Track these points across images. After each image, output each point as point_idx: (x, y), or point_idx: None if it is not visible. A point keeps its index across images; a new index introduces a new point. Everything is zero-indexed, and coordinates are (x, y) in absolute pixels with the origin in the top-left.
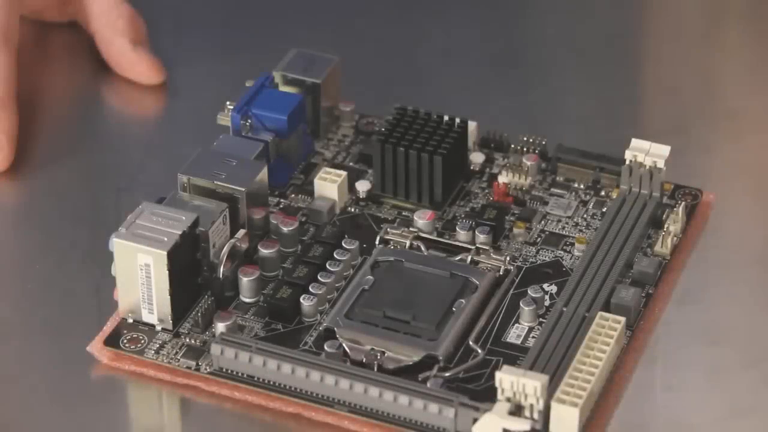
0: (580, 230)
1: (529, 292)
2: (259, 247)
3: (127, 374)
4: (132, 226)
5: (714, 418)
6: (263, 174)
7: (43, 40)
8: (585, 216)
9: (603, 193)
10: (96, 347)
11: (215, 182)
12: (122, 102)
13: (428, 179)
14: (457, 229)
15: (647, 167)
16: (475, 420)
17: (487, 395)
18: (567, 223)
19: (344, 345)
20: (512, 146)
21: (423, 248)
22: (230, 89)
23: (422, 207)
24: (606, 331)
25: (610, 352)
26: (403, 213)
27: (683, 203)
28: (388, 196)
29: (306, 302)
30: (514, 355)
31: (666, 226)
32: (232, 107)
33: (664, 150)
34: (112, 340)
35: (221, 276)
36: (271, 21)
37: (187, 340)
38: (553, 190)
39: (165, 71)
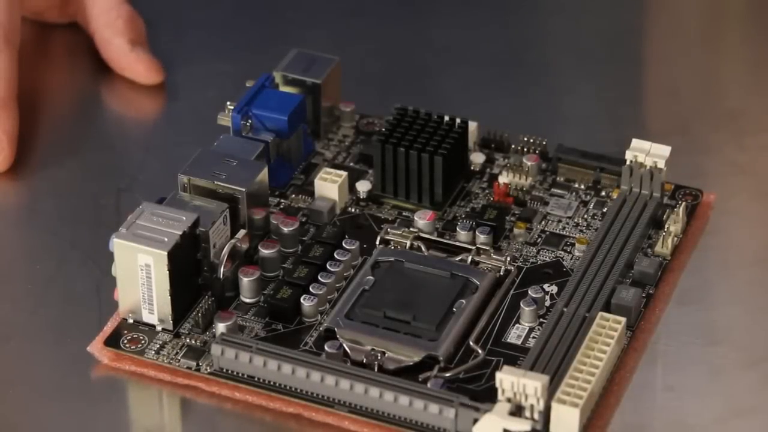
0: (581, 231)
1: (529, 292)
2: (259, 248)
3: (128, 374)
4: (132, 227)
5: (714, 418)
6: (264, 174)
7: (44, 41)
8: (585, 216)
9: (603, 193)
10: (96, 347)
11: (216, 182)
12: (122, 102)
13: (429, 179)
14: (458, 229)
15: (648, 167)
16: (475, 420)
17: (487, 396)
18: (567, 224)
19: (345, 345)
20: (513, 146)
21: (423, 248)
22: (230, 89)
23: (423, 207)
24: (606, 331)
25: (611, 352)
26: (404, 213)
27: (684, 203)
28: (388, 197)
29: (306, 302)
30: (514, 356)
31: (666, 226)
32: (232, 107)
33: (665, 150)
34: (112, 341)
35: (221, 276)
36: (271, 21)
37: (188, 340)
38: (554, 190)
39: (164, 71)
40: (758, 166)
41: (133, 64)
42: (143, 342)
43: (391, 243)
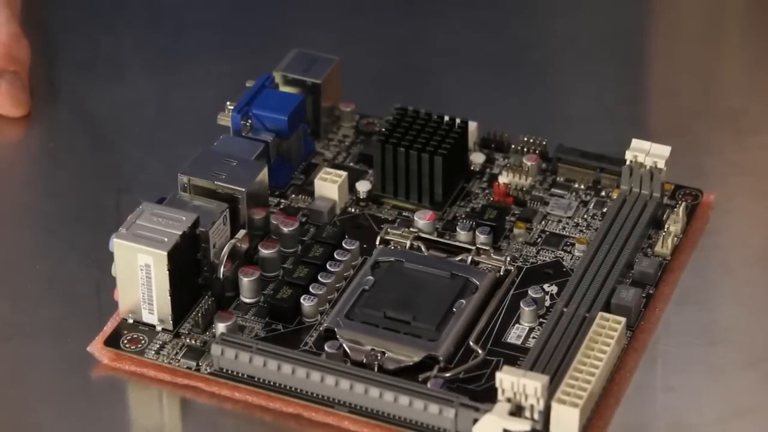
0: (581, 231)
1: (529, 292)
2: (259, 248)
3: (128, 375)
4: (132, 227)
5: (714, 418)
6: (263, 174)
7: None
8: (585, 216)
9: (603, 193)
10: (96, 347)
11: (215, 182)
12: (122, 101)
13: (429, 179)
14: (458, 229)
15: (648, 167)
16: (475, 420)
17: (487, 396)
18: (567, 224)
19: (344, 345)
20: (513, 146)
21: (423, 248)
22: (230, 89)
23: (423, 207)
24: (606, 331)
25: (611, 352)
26: (404, 213)
27: (684, 203)
28: (388, 197)
29: (306, 302)
30: (514, 356)
31: (666, 226)
32: (232, 107)
33: (665, 150)
34: (112, 341)
35: (221, 276)
36: (271, 21)
37: (188, 340)
38: (554, 190)
39: (28, 105)
40: (758, 166)
41: None
42: (143, 342)
43: (391, 243)
